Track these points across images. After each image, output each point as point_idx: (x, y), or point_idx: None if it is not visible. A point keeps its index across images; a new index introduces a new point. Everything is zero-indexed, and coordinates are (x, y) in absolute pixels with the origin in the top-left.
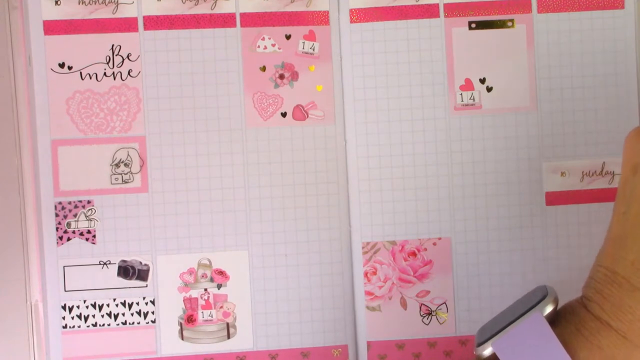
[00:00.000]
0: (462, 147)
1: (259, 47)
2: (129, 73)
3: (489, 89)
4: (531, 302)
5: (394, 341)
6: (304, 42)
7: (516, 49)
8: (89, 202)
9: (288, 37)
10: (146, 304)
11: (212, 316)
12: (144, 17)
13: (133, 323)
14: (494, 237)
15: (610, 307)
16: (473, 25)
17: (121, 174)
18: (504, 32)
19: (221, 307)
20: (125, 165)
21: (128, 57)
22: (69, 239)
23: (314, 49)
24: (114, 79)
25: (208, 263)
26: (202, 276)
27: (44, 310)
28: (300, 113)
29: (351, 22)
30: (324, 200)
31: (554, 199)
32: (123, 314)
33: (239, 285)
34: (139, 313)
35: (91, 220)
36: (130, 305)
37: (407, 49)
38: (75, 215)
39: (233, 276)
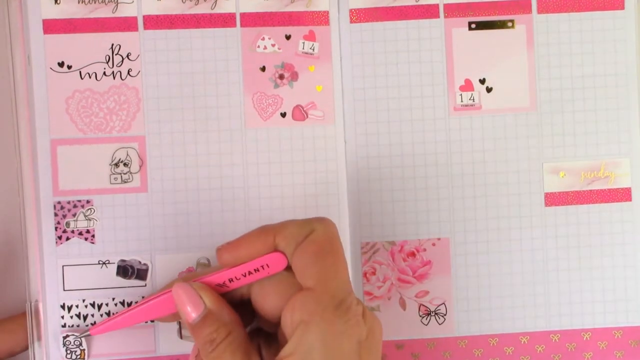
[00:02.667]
0: (461, 147)
1: (258, 47)
2: (128, 72)
3: (489, 90)
4: None
5: (393, 341)
6: (304, 42)
7: (516, 49)
8: (88, 201)
9: (288, 37)
10: None
11: None
12: (143, 16)
13: (131, 326)
14: (493, 237)
15: None
16: (473, 26)
17: (120, 173)
18: (504, 33)
19: None
20: (125, 165)
21: (128, 56)
22: (68, 239)
23: (314, 49)
24: (114, 78)
25: (207, 262)
26: None
27: (43, 310)
28: (300, 113)
29: (351, 22)
30: (323, 201)
31: (554, 199)
32: None
33: None
34: None
35: (90, 219)
36: (129, 305)
37: (407, 49)
38: (74, 215)
39: None
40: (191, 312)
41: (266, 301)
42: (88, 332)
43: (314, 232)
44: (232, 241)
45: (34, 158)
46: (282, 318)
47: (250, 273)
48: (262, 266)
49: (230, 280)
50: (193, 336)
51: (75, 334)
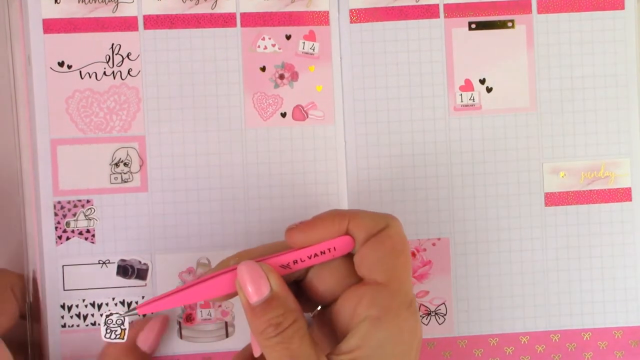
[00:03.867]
0: (461, 147)
1: (259, 47)
2: (128, 72)
3: (489, 90)
4: None
5: None
6: (304, 42)
7: (516, 49)
8: (88, 201)
9: (288, 37)
10: None
11: (210, 315)
12: (144, 16)
13: (132, 322)
14: (493, 237)
15: None
16: (473, 26)
17: (120, 173)
18: (504, 33)
19: (219, 305)
20: (125, 164)
21: (128, 56)
22: (68, 239)
23: (314, 49)
24: (114, 78)
25: (207, 262)
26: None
27: (43, 310)
28: (300, 113)
29: (351, 22)
30: (323, 201)
31: (554, 199)
32: None
33: None
34: None
35: (90, 219)
36: (129, 305)
37: (407, 50)
38: (74, 215)
39: None
40: (254, 294)
41: (322, 285)
42: (135, 311)
43: (389, 228)
44: (306, 222)
45: (34, 158)
46: (339, 306)
47: (316, 255)
48: (329, 249)
49: (295, 262)
50: (250, 318)
51: (120, 312)
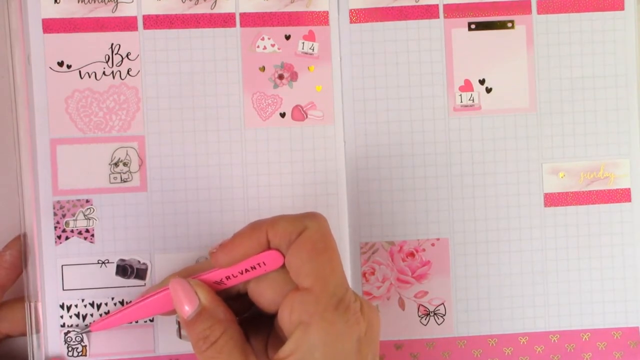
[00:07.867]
0: (461, 148)
1: (258, 47)
2: (128, 72)
3: (489, 90)
4: None
5: (392, 341)
6: (303, 43)
7: (516, 50)
8: (87, 201)
9: (288, 37)
10: None
11: None
12: (143, 16)
13: (131, 322)
14: (492, 238)
15: None
16: (473, 26)
17: (120, 173)
18: (504, 33)
19: None
20: (124, 164)
21: (127, 56)
22: (67, 238)
23: (313, 49)
24: (113, 78)
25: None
26: None
27: (42, 309)
28: (300, 113)
29: (351, 22)
30: (322, 201)
31: (553, 200)
32: None
33: None
34: None
35: (90, 219)
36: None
37: (407, 50)
38: (73, 215)
39: None
40: (185, 308)
41: (262, 297)
42: (89, 329)
43: (307, 230)
44: (226, 242)
45: (33, 157)
46: (280, 315)
47: (247, 270)
48: (259, 264)
49: (227, 277)
50: (187, 333)
51: (77, 330)
